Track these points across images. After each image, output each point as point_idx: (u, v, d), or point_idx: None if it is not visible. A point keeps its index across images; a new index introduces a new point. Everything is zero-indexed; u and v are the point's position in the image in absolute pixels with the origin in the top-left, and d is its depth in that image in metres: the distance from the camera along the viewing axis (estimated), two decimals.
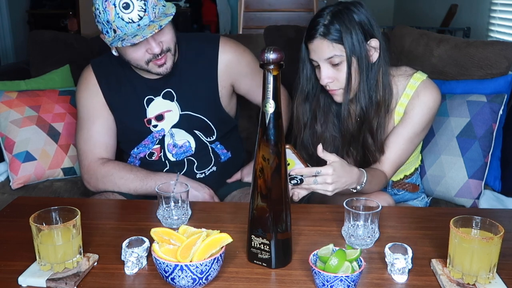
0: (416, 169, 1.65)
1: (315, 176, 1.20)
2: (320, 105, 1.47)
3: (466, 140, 1.73)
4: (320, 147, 1.23)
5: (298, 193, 1.25)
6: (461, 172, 1.73)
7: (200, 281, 0.93)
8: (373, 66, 1.37)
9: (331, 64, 1.34)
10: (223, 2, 5.97)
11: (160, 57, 1.40)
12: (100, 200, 1.47)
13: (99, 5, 1.33)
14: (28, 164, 1.84)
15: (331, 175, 1.20)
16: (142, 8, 1.31)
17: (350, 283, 0.91)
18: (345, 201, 1.11)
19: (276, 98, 0.97)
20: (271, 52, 0.95)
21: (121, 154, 1.63)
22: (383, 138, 1.43)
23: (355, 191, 1.31)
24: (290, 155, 1.20)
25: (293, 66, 2.14)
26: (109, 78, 1.54)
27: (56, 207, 1.03)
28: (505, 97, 1.76)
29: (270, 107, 0.97)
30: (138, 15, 1.31)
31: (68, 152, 1.90)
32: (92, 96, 1.53)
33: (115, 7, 1.30)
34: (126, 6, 1.30)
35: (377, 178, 1.39)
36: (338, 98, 1.40)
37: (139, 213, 1.32)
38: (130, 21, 1.31)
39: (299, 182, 1.22)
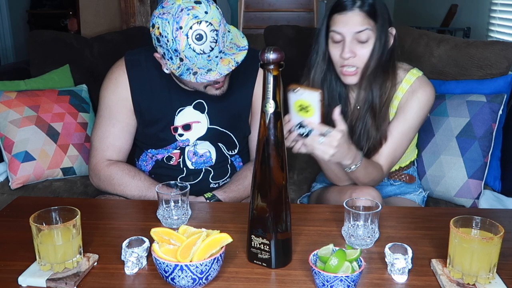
0: (412, 162, 1.66)
1: (323, 135, 1.20)
2: (325, 90, 1.47)
3: (465, 140, 1.74)
4: (338, 109, 1.23)
5: (299, 148, 1.24)
6: (460, 172, 1.73)
7: (200, 281, 0.93)
8: (388, 52, 1.40)
9: (357, 40, 1.35)
10: (223, 2, 5.97)
11: (220, 82, 1.37)
12: (100, 200, 1.47)
13: (168, 33, 1.25)
14: (27, 164, 1.84)
15: (338, 139, 1.20)
16: (214, 39, 1.26)
17: (350, 283, 0.91)
18: (345, 201, 1.11)
19: (276, 98, 0.97)
20: (271, 52, 0.95)
21: (134, 149, 1.58)
22: (385, 126, 1.44)
23: (349, 170, 1.33)
24: (315, 102, 1.15)
25: (293, 66, 2.14)
26: (143, 80, 1.47)
27: (56, 207, 1.03)
28: (505, 97, 1.76)
29: (270, 107, 0.97)
30: (210, 46, 1.26)
31: (67, 152, 1.90)
32: (119, 97, 1.48)
33: (187, 37, 1.23)
34: (199, 38, 1.24)
35: (372, 167, 1.41)
36: (353, 79, 1.40)
37: (139, 213, 1.32)
38: (202, 52, 1.26)
39: (305, 133, 1.20)
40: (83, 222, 1.02)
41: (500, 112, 1.75)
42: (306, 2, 5.01)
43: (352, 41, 1.35)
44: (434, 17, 4.26)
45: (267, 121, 0.97)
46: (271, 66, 0.95)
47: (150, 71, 1.47)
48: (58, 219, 1.02)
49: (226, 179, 1.58)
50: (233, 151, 1.56)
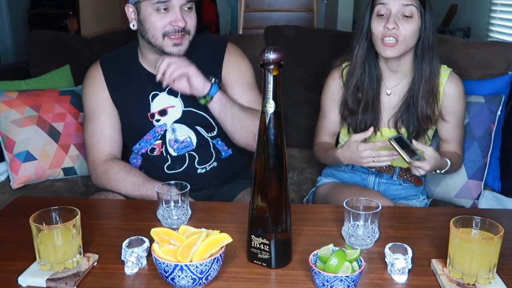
0: None
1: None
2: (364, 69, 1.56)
3: (465, 141, 1.74)
4: (415, 142, 1.42)
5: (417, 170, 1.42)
6: (460, 173, 1.72)
7: (200, 281, 0.93)
8: (428, 33, 1.48)
9: (402, 14, 1.43)
10: (223, 2, 5.97)
11: (178, 34, 1.43)
12: (100, 200, 1.47)
13: None
14: (29, 164, 1.84)
15: (426, 169, 1.39)
16: None
17: (350, 283, 0.91)
18: (345, 201, 1.11)
19: (276, 98, 0.97)
20: (271, 52, 0.95)
21: (125, 150, 1.65)
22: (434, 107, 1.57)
23: (439, 171, 1.52)
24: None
25: (294, 66, 2.14)
26: (117, 74, 1.58)
27: (56, 207, 1.03)
28: (503, 97, 1.76)
29: (270, 107, 0.97)
30: None
31: (69, 152, 1.90)
32: (98, 92, 1.57)
33: None
34: None
35: (457, 160, 1.60)
36: (392, 51, 1.46)
37: (139, 213, 1.32)
38: None
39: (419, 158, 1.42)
40: (83, 222, 1.02)
41: (499, 112, 1.75)
42: (306, 2, 5.01)
43: (397, 15, 1.43)
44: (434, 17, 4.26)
45: (267, 121, 0.97)
46: (271, 66, 0.95)
47: (122, 64, 1.59)
48: (58, 219, 1.02)
49: (212, 163, 1.61)
50: (212, 133, 1.60)
